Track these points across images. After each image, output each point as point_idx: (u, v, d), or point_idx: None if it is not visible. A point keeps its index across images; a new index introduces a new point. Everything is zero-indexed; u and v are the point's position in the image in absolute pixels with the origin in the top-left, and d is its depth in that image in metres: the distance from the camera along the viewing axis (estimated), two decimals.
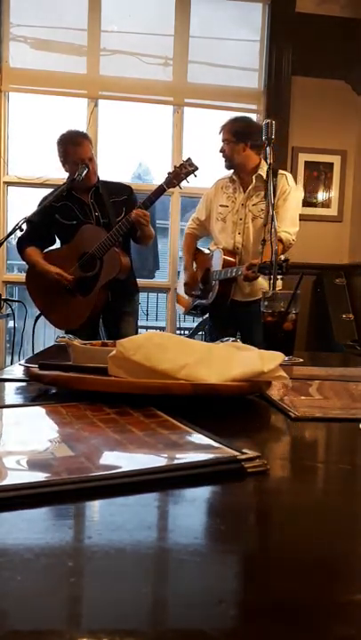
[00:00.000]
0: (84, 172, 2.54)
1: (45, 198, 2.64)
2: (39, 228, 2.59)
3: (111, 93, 3.77)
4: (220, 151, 2.62)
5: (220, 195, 2.65)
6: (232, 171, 2.64)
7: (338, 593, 0.31)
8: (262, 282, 2.51)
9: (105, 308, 2.64)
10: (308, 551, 0.36)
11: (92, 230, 2.55)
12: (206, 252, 2.83)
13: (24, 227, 2.54)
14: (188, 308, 2.92)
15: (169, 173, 2.46)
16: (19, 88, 3.72)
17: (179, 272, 3.16)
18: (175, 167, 2.48)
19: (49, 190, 2.79)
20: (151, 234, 2.62)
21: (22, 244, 2.62)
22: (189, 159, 2.46)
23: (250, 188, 2.59)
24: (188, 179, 2.48)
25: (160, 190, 2.45)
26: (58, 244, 2.77)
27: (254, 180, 2.58)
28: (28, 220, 2.57)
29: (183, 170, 2.44)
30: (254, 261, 2.32)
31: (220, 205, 2.65)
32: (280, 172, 2.63)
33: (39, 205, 2.63)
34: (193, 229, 2.84)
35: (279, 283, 2.51)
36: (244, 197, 2.60)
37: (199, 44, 3.80)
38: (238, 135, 2.57)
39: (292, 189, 2.56)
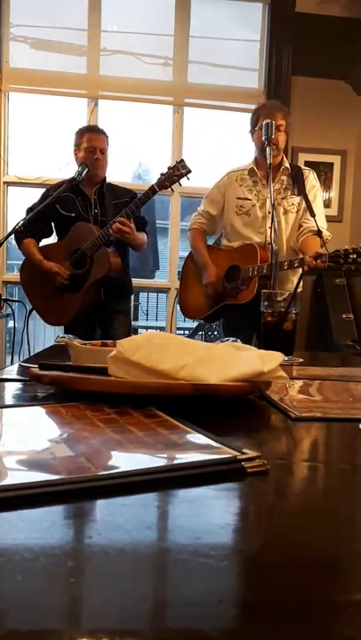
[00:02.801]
0: (85, 171, 2.55)
1: (50, 190, 2.61)
2: (40, 220, 2.57)
3: (111, 93, 3.77)
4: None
5: (237, 187, 2.50)
6: (249, 162, 2.52)
7: (338, 593, 0.31)
8: (292, 278, 2.46)
9: (99, 306, 2.64)
10: (307, 551, 0.36)
11: (85, 228, 2.55)
12: (223, 247, 2.59)
13: (24, 216, 2.53)
14: (207, 310, 2.57)
15: (162, 174, 2.40)
16: (19, 88, 3.72)
17: (180, 274, 2.81)
18: (168, 168, 2.40)
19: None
20: (140, 242, 2.56)
21: (21, 234, 2.59)
22: (182, 161, 2.38)
23: (277, 180, 2.46)
24: (180, 181, 2.40)
25: (151, 191, 2.39)
26: (53, 237, 2.75)
27: (281, 174, 2.46)
28: (30, 210, 2.56)
29: (176, 172, 2.36)
30: (321, 251, 2.17)
31: (240, 198, 2.48)
32: (304, 168, 2.57)
33: (43, 196, 2.61)
34: (202, 224, 2.61)
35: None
36: (273, 190, 2.49)
37: (199, 44, 3.81)
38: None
39: (318, 186, 2.52)
